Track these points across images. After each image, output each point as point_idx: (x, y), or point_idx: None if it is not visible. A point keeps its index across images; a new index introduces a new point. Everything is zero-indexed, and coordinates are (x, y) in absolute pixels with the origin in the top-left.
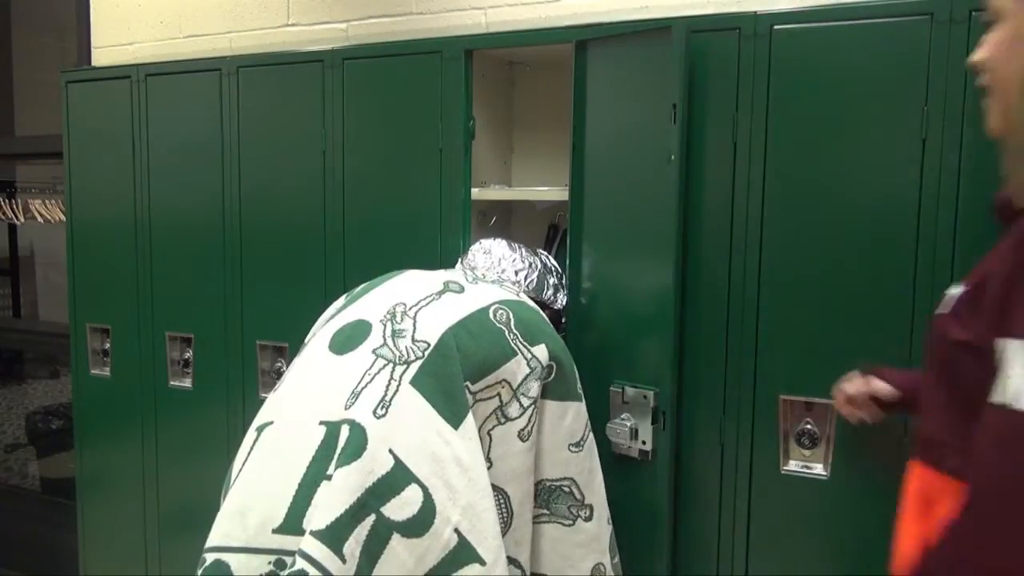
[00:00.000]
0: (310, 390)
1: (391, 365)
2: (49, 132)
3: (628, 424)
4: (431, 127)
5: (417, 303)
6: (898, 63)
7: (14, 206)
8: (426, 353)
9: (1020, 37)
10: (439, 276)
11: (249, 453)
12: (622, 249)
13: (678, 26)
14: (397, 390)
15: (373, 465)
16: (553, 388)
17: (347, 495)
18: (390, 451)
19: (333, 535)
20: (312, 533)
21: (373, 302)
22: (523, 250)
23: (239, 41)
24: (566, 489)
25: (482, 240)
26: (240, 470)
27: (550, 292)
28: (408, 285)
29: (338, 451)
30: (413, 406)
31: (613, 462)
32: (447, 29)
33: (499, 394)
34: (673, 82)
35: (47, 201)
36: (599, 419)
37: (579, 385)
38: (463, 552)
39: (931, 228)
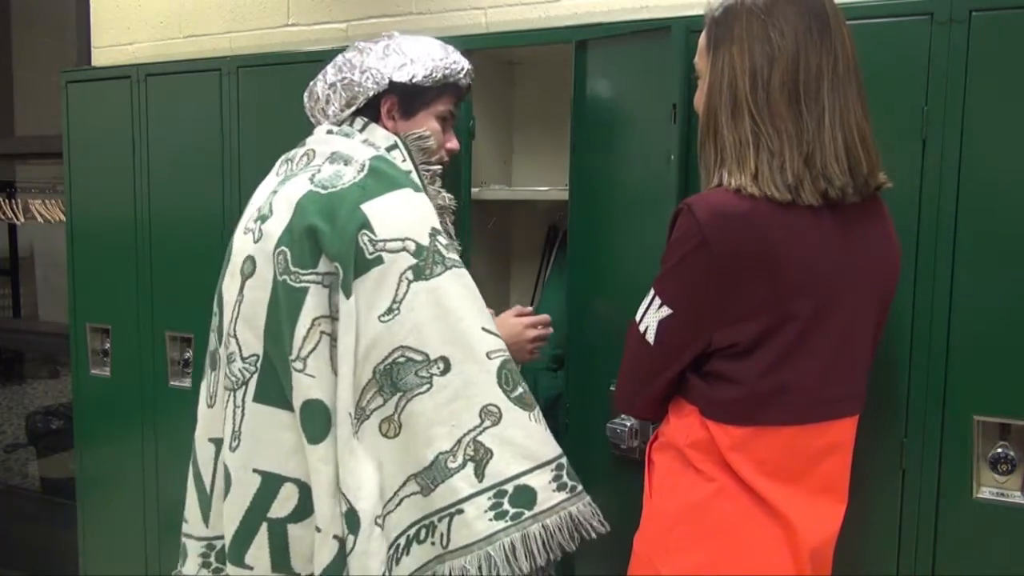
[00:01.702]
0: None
1: (233, 393)
2: (49, 132)
3: (628, 424)
4: None
5: (232, 316)
6: (898, 63)
7: (14, 206)
8: (258, 364)
9: (705, 91)
10: (243, 250)
11: (193, 463)
12: (622, 249)
13: (678, 26)
14: (243, 415)
15: (241, 493)
16: (342, 283)
17: (232, 525)
18: (254, 471)
19: (235, 554)
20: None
21: (219, 316)
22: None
23: (239, 41)
24: (401, 359)
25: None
26: (192, 477)
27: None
28: (228, 278)
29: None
30: (260, 417)
31: (613, 462)
32: (447, 29)
33: (322, 334)
34: (673, 82)
35: (47, 201)
36: (599, 419)
37: (377, 248)
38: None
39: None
